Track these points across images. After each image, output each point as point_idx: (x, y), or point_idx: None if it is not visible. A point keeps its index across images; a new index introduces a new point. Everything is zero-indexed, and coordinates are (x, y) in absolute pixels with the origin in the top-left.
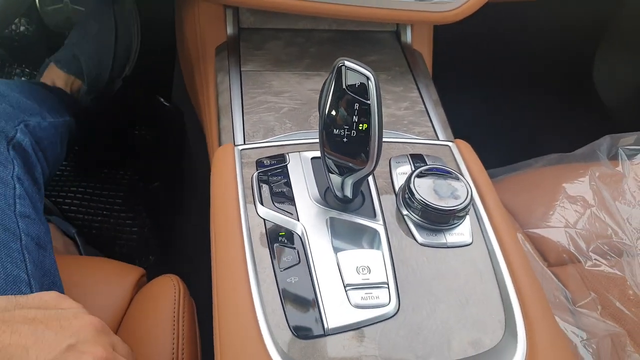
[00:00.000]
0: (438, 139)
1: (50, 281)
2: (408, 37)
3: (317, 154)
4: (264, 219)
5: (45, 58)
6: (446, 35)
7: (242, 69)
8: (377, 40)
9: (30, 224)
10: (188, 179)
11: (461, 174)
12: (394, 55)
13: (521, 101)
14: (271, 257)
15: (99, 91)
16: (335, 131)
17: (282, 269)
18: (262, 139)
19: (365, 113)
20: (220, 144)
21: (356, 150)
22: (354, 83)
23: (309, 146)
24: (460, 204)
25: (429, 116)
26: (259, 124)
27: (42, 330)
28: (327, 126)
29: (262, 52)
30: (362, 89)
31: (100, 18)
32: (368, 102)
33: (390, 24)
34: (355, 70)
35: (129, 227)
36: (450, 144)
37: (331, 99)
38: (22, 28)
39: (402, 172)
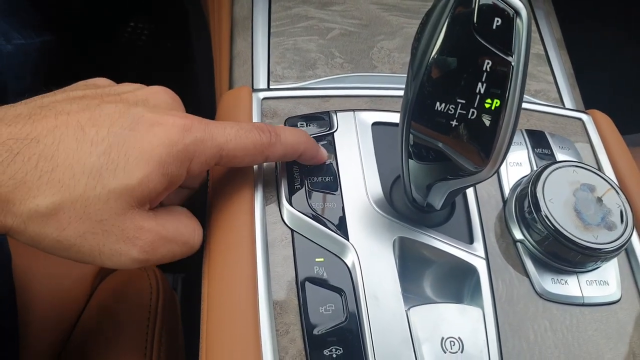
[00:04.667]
0: (564, 107)
1: None
2: None
3: (382, 116)
4: (292, 230)
5: None
6: None
7: None
8: None
9: None
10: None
11: (600, 169)
12: None
13: None
14: (299, 305)
15: None
16: (439, 106)
17: (317, 332)
18: (296, 80)
19: (501, 79)
20: (231, 85)
21: (469, 141)
22: (488, 21)
23: (370, 101)
24: (616, 240)
25: (551, 66)
26: (293, 53)
27: (97, 104)
28: (424, 94)
29: None
30: (503, 34)
31: None
32: (510, 59)
33: None
34: None
35: None
36: (583, 116)
37: (440, 46)
38: None
39: (515, 161)
